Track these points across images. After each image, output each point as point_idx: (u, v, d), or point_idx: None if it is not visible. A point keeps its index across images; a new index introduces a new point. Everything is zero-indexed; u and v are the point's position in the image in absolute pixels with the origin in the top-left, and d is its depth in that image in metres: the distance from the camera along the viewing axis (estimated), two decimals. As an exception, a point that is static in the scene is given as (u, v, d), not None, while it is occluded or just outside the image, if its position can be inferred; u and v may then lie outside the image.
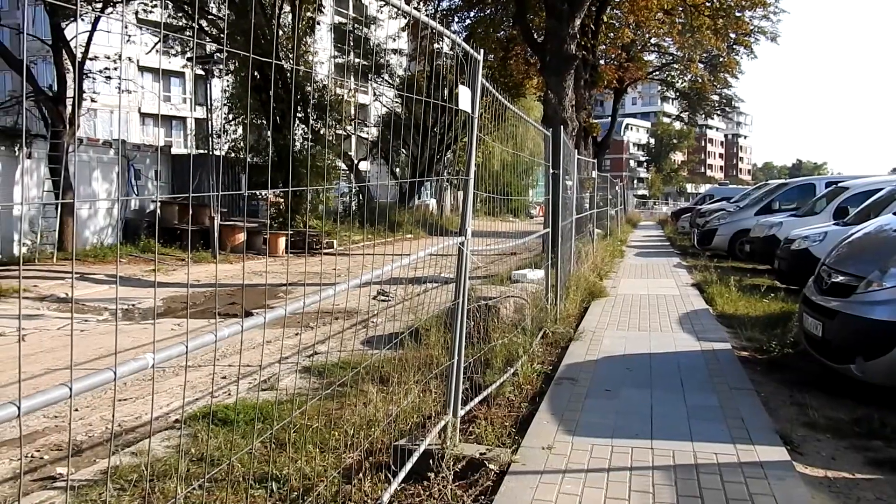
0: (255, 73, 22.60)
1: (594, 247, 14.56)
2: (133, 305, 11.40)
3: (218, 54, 17.88)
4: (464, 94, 3.61)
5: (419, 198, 38.13)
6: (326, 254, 21.25)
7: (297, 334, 8.80)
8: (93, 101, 17.96)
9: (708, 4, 22.33)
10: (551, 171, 7.33)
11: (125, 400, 6.02)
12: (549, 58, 13.94)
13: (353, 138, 36.41)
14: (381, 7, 23.88)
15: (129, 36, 21.51)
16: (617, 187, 26.15)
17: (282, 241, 20.25)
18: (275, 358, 7.62)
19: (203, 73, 17.46)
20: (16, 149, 16.41)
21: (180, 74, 50.67)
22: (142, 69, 49.99)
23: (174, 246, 18.50)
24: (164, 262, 16.59)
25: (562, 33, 13.60)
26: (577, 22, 13.92)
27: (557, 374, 5.71)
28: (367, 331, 8.71)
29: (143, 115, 53.04)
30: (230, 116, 24.22)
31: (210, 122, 17.20)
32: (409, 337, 5.98)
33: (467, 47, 3.77)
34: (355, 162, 33.02)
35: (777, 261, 11.34)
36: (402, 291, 12.54)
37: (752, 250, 14.73)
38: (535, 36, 16.88)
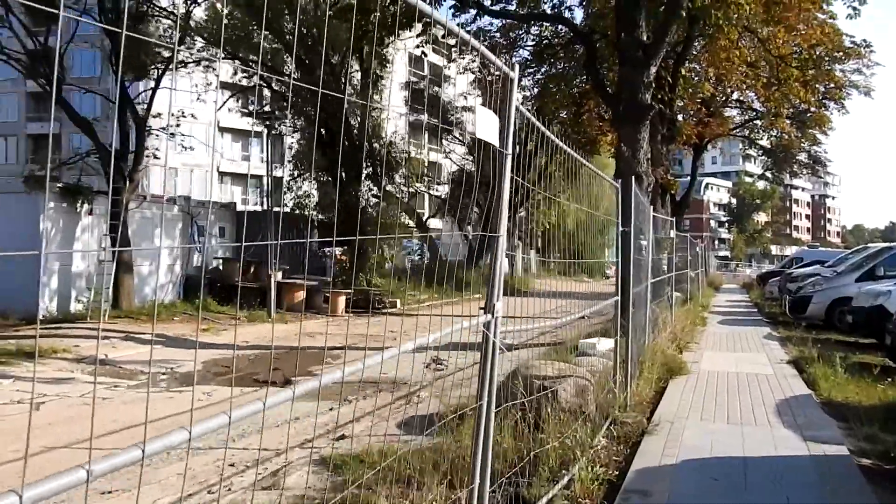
0: (322, 130, 22.42)
1: (673, 313, 13.20)
2: (171, 369, 10.70)
3: (278, 111, 17.59)
4: (485, 119, 2.63)
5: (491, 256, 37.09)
6: (388, 313, 20.43)
7: (331, 409, 7.84)
8: (156, 157, 17.88)
9: (795, 56, 20.96)
10: (621, 228, 6.25)
11: (109, 493, 5.14)
12: (623, 108, 12.93)
13: (425, 196, 36.01)
14: (447, 64, 23.47)
15: (199, 94, 21.64)
16: (697, 248, 24.56)
17: (342, 300, 19.55)
18: (297, 440, 6.65)
19: (266, 129, 17.14)
20: (77, 205, 16.34)
21: (259, 134, 51.74)
22: (222, 130, 51.57)
23: (230, 304, 17.96)
24: (218, 320, 16.03)
25: (636, 81, 12.59)
26: (653, 70, 12.90)
27: (625, 484, 4.53)
28: (408, 409, 7.67)
29: (222, 174, 54.49)
30: (295, 173, 24.02)
31: (269, 178, 16.80)
32: (447, 423, 4.98)
33: (497, 61, 2.80)
34: (424, 219, 32.48)
35: (889, 336, 9.78)
36: (460, 358, 11.51)
37: (854, 321, 13.07)
38: (608, 88, 15.93)
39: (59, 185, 16.08)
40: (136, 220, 18.27)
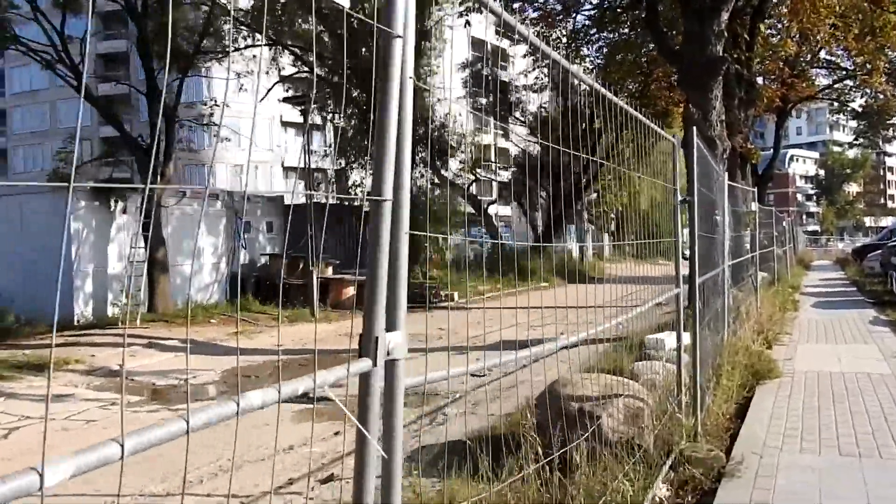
0: (368, 114, 21.24)
1: (758, 298, 11.37)
2: (182, 380, 9.61)
3: (314, 95, 16.40)
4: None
5: (563, 240, 35.37)
6: (445, 307, 19.07)
7: (336, 434, 6.51)
8: (191, 150, 17.00)
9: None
10: (678, 198, 4.68)
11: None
12: (690, 64, 11.14)
13: (483, 182, 34.53)
14: (499, 37, 21.88)
15: (241, 84, 20.77)
16: (784, 223, 22.25)
17: (393, 295, 18.28)
18: (281, 478, 5.35)
19: (301, 114, 16.01)
20: (111, 203, 15.62)
21: (320, 127, 51.42)
22: (285, 124, 51.15)
23: (272, 304, 16.93)
24: (257, 321, 15.02)
25: (704, 32, 10.78)
26: (724, 17, 11.03)
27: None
28: (423, 435, 6.27)
29: (286, 169, 54.13)
30: (342, 162, 22.95)
31: (308, 166, 15.68)
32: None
33: None
34: (485, 206, 31.00)
35: None
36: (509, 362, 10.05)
37: (982, 300, 10.99)
38: (674, 46, 14.07)
39: (89, 183, 15.33)
40: (176, 217, 17.48)
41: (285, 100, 16.30)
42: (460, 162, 28.99)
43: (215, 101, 16.77)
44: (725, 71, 13.31)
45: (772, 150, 31.70)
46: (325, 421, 7.21)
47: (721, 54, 10.96)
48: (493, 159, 38.92)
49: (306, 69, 21.46)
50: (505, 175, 36.18)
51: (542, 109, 31.49)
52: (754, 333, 8.61)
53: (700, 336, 4.82)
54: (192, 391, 9.18)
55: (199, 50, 15.07)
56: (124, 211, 15.83)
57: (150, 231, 14.61)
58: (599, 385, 4.97)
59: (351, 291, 18.50)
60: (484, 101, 32.26)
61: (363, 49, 19.06)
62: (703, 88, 10.83)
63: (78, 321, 14.93)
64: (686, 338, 5.09)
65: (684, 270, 5.17)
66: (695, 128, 4.78)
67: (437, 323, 14.74)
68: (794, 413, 5.56)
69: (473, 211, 29.21)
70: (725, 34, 11.23)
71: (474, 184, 30.68)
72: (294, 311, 16.42)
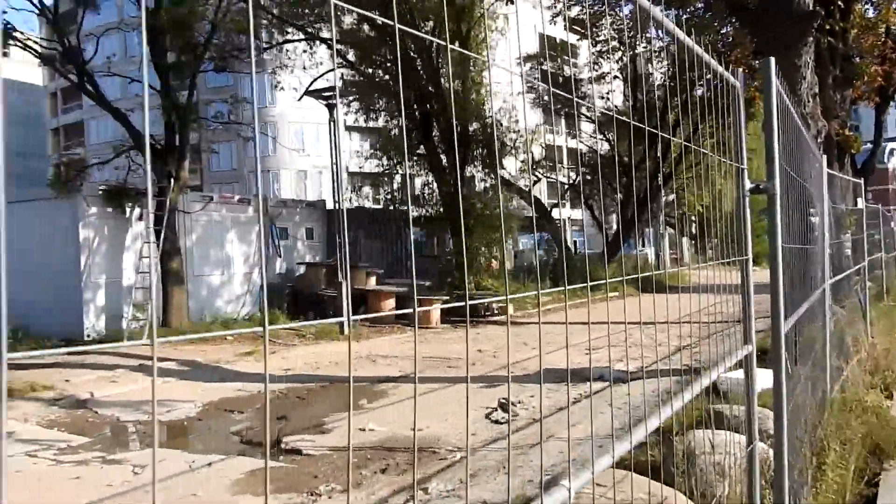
0: (416, 111, 19.58)
1: (868, 321, 9.01)
2: (140, 421, 7.98)
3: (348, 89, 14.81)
4: None
5: (640, 246, 32.76)
6: (496, 322, 17.15)
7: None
8: (213, 152, 15.69)
9: None
10: (746, 184, 2.69)
11: None
12: (773, 22, 8.91)
13: (548, 183, 32.42)
14: (551, 17, 19.80)
15: (278, 83, 19.48)
16: (893, 223, 19.31)
17: (436, 309, 16.44)
18: None
19: (327, 108, 14.43)
20: (127, 209, 14.42)
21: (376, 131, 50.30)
22: (349, 128, 50.19)
23: (303, 317, 15.41)
24: (277, 339, 13.46)
25: (791, -19, 8.56)
26: (816, -37, 8.77)
27: None
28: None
29: (351, 175, 53.08)
30: (384, 162, 21.40)
31: (336, 166, 14.04)
32: None
33: None
34: (548, 208, 28.84)
35: None
36: (548, 397, 8.08)
37: None
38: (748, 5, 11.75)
39: (100, 188, 14.15)
40: (202, 224, 16.21)
41: (308, 93, 14.74)
42: (521, 162, 27.01)
43: (234, 98, 15.41)
44: (817, 43, 10.98)
45: (870, 143, 28.39)
46: (281, 491, 5.44)
47: (811, 8, 8.70)
48: (557, 158, 36.71)
49: (345, 65, 20.02)
50: (573, 176, 34.00)
51: (607, 97, 29.12)
52: (867, 374, 6.38)
53: (789, 430, 2.78)
54: (148, 430, 7.58)
55: (208, 42, 13.68)
56: (141, 217, 14.60)
57: (162, 239, 13.30)
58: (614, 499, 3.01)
59: (391, 304, 16.81)
60: (548, 97, 30.19)
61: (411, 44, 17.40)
62: (789, 53, 8.59)
63: (88, 336, 13.77)
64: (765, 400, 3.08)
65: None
66: (773, 62, 2.76)
67: (481, 343, 12.90)
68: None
69: (537, 215, 27.10)
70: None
71: (538, 185, 28.57)
72: (324, 326, 14.84)
